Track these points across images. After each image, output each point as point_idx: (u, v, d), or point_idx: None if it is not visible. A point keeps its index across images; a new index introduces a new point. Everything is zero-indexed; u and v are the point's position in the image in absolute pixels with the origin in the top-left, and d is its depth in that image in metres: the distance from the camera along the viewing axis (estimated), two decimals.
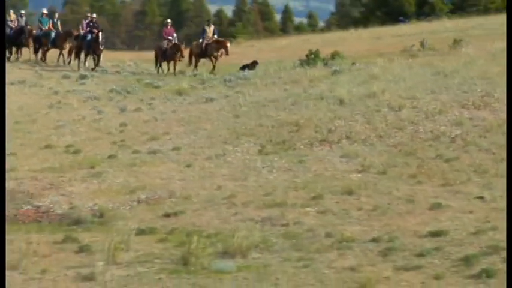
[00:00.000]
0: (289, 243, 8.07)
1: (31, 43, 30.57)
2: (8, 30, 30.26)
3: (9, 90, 22.35)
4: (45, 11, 32.59)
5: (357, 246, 7.89)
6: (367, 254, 7.67)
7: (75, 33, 31.11)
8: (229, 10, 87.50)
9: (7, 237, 8.73)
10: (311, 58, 27.29)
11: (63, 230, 8.96)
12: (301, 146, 13.10)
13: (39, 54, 30.63)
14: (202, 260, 7.45)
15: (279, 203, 9.51)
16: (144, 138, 14.61)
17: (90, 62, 28.80)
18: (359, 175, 10.88)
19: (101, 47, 28.89)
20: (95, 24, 30.02)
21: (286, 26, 79.19)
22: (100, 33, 28.87)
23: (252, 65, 27.41)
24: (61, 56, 30.30)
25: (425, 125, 13.48)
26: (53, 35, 30.45)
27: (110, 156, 12.85)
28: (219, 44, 29.15)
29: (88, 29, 29.49)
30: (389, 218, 8.76)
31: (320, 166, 11.58)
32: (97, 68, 28.17)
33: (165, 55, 28.58)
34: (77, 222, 9.28)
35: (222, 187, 10.58)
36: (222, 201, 9.86)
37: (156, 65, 28.53)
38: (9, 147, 14.10)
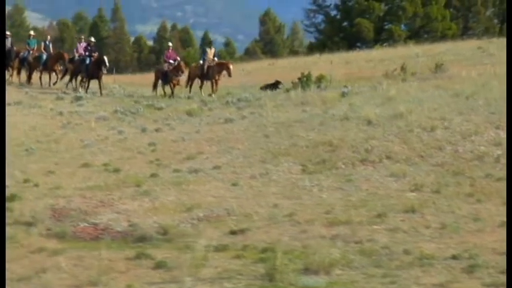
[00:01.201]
0: (368, 260, 8.01)
1: (16, 64, 30.44)
2: None
3: (8, 110, 22.29)
4: (32, 32, 32.49)
5: (438, 263, 7.85)
6: (451, 271, 7.63)
7: (66, 56, 31.10)
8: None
9: (75, 253, 8.67)
10: (303, 81, 27.65)
11: (130, 247, 8.84)
12: (342, 166, 13.09)
13: (20, 76, 30.54)
14: (287, 276, 7.39)
15: (344, 221, 9.47)
16: (179, 157, 14.54)
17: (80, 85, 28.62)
18: (414, 194, 10.88)
19: (104, 71, 28.88)
20: (93, 48, 30.01)
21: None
22: (105, 57, 28.88)
23: (275, 85, 27.50)
24: (52, 78, 30.19)
25: (464, 146, 13.54)
26: (44, 57, 30.38)
27: (152, 175, 12.75)
28: (222, 66, 29.27)
29: (87, 53, 29.45)
30: (462, 236, 8.75)
31: (370, 185, 11.57)
32: (88, 91, 28.01)
33: (166, 78, 28.63)
34: (142, 239, 9.16)
35: (278, 205, 10.52)
36: (284, 219, 9.80)
37: (155, 87, 28.44)
38: (44, 166, 14.04)
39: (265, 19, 71.92)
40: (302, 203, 10.59)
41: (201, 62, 29.96)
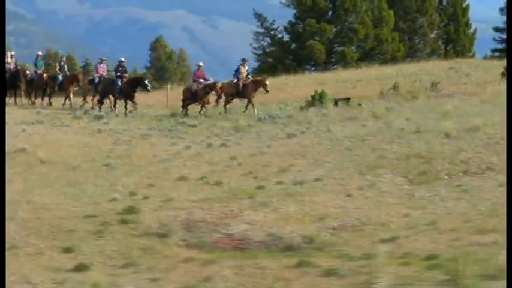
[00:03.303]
0: None
1: (23, 86, 30.27)
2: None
3: (34, 128, 22.20)
4: (40, 52, 32.27)
5: None
6: None
7: (81, 77, 30.98)
8: None
9: (228, 263, 8.52)
10: (317, 99, 27.83)
11: (284, 256, 8.70)
12: (445, 177, 12.97)
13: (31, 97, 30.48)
14: (471, 282, 7.25)
15: (491, 229, 9.32)
16: (270, 170, 14.39)
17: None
18: None
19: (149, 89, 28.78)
20: (124, 69, 29.83)
21: None
22: (147, 80, 28.74)
23: (344, 100, 27.65)
24: (67, 100, 30.14)
25: None
26: (60, 78, 30.25)
27: (258, 187, 12.60)
28: (258, 84, 29.16)
29: (118, 73, 29.30)
30: None
31: (489, 195, 11.44)
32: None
33: (195, 97, 28.52)
34: (289, 248, 9.02)
35: (409, 215, 10.39)
36: (426, 227, 9.66)
37: (183, 106, 28.24)
38: (138, 180, 13.88)
39: (156, 46, 71.01)
40: (432, 213, 10.44)
41: (235, 80, 29.89)
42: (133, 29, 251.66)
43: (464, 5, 68.49)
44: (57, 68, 31.17)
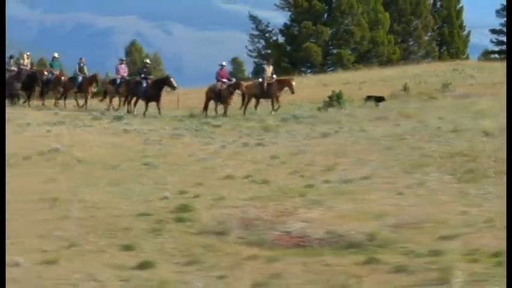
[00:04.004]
0: None
1: (39, 87, 30.38)
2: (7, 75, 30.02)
3: (59, 129, 22.30)
4: (56, 54, 32.34)
5: None
6: None
7: (100, 78, 31.11)
8: None
9: (293, 260, 8.51)
10: (334, 100, 27.90)
11: (350, 253, 8.70)
12: (493, 175, 12.93)
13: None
14: None
15: None
16: (315, 169, 14.41)
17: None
18: None
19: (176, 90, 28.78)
20: (149, 70, 29.84)
21: None
22: (172, 79, 28.68)
23: (379, 100, 27.70)
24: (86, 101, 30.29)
25: None
26: (80, 79, 30.30)
27: (307, 186, 12.61)
28: (283, 84, 29.17)
29: (142, 75, 29.32)
30: None
31: None
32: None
33: (219, 97, 28.49)
34: (352, 245, 9.00)
35: (466, 212, 10.36)
36: (484, 225, 9.62)
37: (206, 107, 28.20)
38: (183, 179, 13.91)
39: (132, 50, 70.82)
40: (489, 210, 10.38)
41: (260, 80, 29.89)
42: (85, 34, 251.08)
43: (458, 7, 68.78)
44: (77, 69, 31.21)
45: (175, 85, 28.74)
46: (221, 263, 8.69)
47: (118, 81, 29.98)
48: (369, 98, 28.44)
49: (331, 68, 61.80)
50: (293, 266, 8.25)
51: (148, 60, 31.90)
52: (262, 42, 64.95)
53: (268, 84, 28.93)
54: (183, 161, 16.44)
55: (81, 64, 31.39)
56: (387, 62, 59.99)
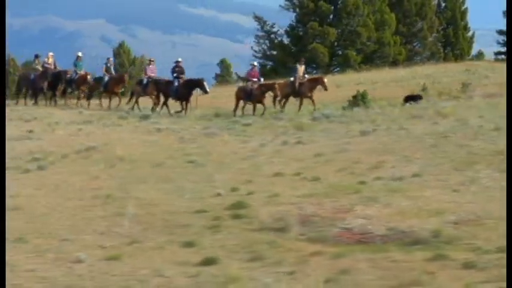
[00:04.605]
0: None
1: (62, 87, 30.45)
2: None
3: (89, 128, 22.38)
4: (80, 54, 32.28)
5: None
6: None
7: (127, 78, 31.18)
8: None
9: (359, 256, 8.49)
10: (360, 99, 27.77)
11: (415, 250, 8.67)
12: None
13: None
14: None
15: None
16: (362, 166, 14.35)
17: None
18: None
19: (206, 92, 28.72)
20: (181, 69, 29.75)
21: None
22: (205, 82, 28.66)
23: (416, 98, 27.55)
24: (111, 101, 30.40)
25: None
26: (106, 79, 30.32)
27: (360, 183, 12.58)
28: (315, 82, 29.18)
29: (174, 74, 29.30)
30: None
31: None
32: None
33: (250, 96, 28.40)
34: (417, 242, 8.97)
35: None
36: None
37: (236, 107, 28.11)
38: (232, 176, 13.91)
39: (120, 52, 70.47)
40: None
41: (292, 79, 29.89)
42: (53, 37, 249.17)
43: (463, 8, 68.53)
44: (104, 69, 31.27)
45: (208, 90, 28.76)
46: (286, 259, 8.68)
47: (145, 81, 29.94)
48: (407, 98, 28.26)
49: (337, 69, 61.55)
50: (360, 262, 8.21)
51: (180, 59, 31.70)
52: (267, 43, 64.84)
53: (300, 83, 28.94)
54: (227, 158, 16.45)
55: (108, 64, 31.41)
56: (393, 62, 59.77)
